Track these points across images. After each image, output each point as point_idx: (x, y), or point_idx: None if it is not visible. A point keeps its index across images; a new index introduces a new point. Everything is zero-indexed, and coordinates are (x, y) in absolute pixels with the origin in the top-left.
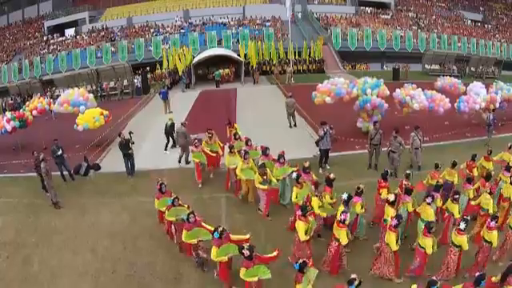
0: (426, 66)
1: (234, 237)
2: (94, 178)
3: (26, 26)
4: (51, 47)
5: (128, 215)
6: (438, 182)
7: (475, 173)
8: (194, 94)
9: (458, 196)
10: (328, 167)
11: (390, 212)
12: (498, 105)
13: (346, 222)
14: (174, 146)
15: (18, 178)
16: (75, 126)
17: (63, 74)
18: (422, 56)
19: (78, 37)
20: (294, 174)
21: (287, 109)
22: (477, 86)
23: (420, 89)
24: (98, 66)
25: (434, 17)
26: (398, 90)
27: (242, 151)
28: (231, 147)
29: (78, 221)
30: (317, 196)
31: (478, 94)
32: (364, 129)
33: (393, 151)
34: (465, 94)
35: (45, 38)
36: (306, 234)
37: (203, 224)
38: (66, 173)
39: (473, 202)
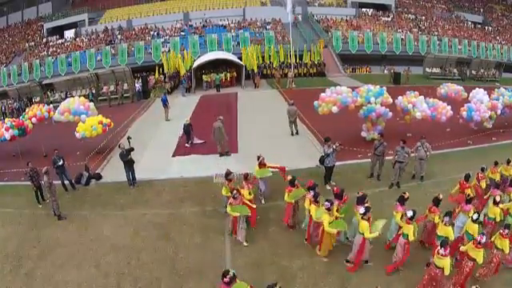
0: (427, 69)
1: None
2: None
3: (26, 28)
4: (50, 49)
5: (131, 228)
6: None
7: (483, 185)
8: (195, 98)
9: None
10: (333, 183)
11: (474, 228)
12: (499, 111)
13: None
14: (188, 141)
15: (19, 186)
16: (76, 132)
17: (63, 78)
18: (422, 59)
19: (77, 39)
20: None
21: (289, 116)
22: (479, 93)
23: (422, 97)
24: (98, 70)
25: (434, 19)
26: (399, 98)
27: (327, 203)
28: (316, 196)
29: (81, 234)
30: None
31: (481, 102)
32: (368, 138)
33: (399, 161)
34: (467, 101)
35: (44, 40)
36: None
37: None
38: (66, 182)
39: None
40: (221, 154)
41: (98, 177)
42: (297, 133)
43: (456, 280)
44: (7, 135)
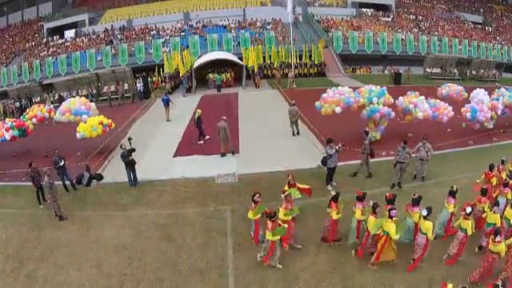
0: (428, 69)
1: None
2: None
3: (26, 28)
4: (51, 49)
5: (133, 228)
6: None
7: (494, 182)
8: (196, 98)
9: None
10: (335, 184)
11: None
12: (499, 111)
13: None
14: (200, 137)
15: (19, 186)
16: (76, 132)
17: (63, 78)
18: (423, 59)
19: (77, 39)
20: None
21: (290, 117)
22: (480, 93)
23: (423, 97)
24: (99, 70)
25: (434, 19)
26: (400, 98)
27: (394, 212)
28: (375, 207)
29: (83, 234)
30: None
31: (482, 102)
32: (372, 138)
33: (400, 162)
34: (467, 101)
35: (44, 40)
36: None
37: None
38: (67, 182)
39: None
40: (222, 154)
41: (99, 177)
42: (298, 133)
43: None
44: (7, 136)
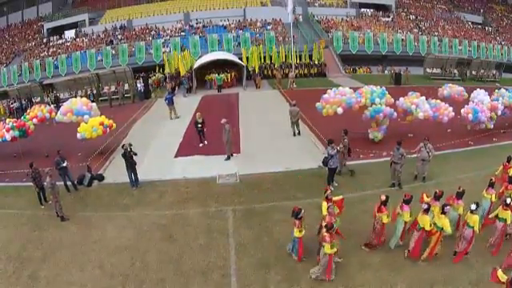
0: (428, 69)
1: None
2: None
3: (26, 28)
4: (51, 50)
5: (134, 229)
6: None
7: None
8: (196, 98)
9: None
10: (336, 184)
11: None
12: (499, 112)
13: None
14: (201, 140)
15: (20, 187)
16: (77, 133)
17: (64, 78)
18: (423, 59)
19: (77, 39)
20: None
21: (291, 117)
22: (480, 94)
23: (424, 97)
24: (99, 70)
25: (434, 19)
26: (401, 99)
27: (447, 208)
28: (429, 208)
29: (84, 235)
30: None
31: (482, 102)
32: (375, 139)
33: (395, 162)
34: (468, 102)
35: (44, 40)
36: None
37: None
38: (69, 183)
39: None
40: (228, 157)
41: (101, 178)
42: (299, 133)
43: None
44: (8, 136)
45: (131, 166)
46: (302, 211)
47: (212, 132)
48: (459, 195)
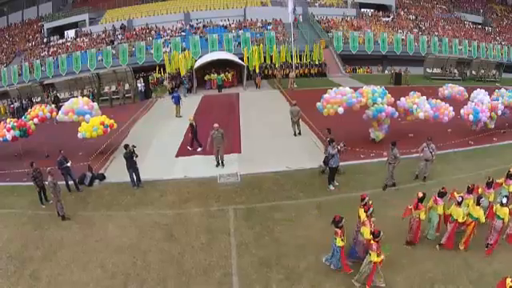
0: (428, 69)
1: None
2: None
3: (26, 28)
4: (51, 49)
5: (136, 228)
6: None
7: None
8: (197, 98)
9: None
10: (337, 183)
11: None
12: (499, 112)
13: None
14: (192, 144)
15: (21, 187)
16: (78, 132)
17: (64, 78)
18: (423, 59)
19: (78, 39)
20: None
21: (292, 117)
22: (480, 94)
23: (424, 97)
24: (99, 70)
25: (434, 19)
26: (402, 99)
27: (482, 199)
28: (462, 201)
29: (86, 234)
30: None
31: (482, 102)
32: (377, 139)
33: (389, 162)
34: (467, 101)
35: (45, 40)
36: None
37: None
38: (71, 182)
39: None
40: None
41: (102, 177)
42: (299, 133)
43: None
44: (8, 136)
45: (133, 167)
46: (343, 220)
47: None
48: (489, 185)
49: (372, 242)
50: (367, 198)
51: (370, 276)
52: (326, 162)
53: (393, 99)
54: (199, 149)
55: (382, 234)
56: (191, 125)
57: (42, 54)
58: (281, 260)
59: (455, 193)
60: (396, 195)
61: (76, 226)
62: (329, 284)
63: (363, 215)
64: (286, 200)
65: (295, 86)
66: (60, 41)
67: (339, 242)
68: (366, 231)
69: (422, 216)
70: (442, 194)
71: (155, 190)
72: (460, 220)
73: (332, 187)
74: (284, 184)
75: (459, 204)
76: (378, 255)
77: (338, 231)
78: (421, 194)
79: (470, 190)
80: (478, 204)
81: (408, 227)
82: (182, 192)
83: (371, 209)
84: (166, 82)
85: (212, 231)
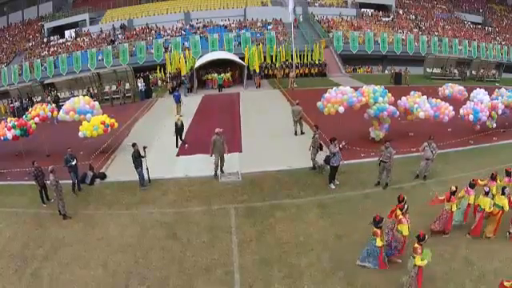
0: (428, 69)
1: None
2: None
3: (26, 28)
4: (51, 49)
5: (137, 227)
6: None
7: None
8: (197, 98)
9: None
10: (337, 182)
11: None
12: (499, 111)
13: None
14: (182, 143)
15: (22, 185)
16: (79, 131)
17: (64, 78)
18: (423, 59)
19: (78, 39)
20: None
21: (293, 116)
22: (480, 93)
23: (425, 97)
24: (100, 70)
25: (434, 19)
26: (403, 98)
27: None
28: (489, 192)
29: (87, 233)
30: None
31: (481, 102)
32: (377, 138)
33: (383, 161)
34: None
35: (45, 40)
36: None
37: None
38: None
39: None
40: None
41: (103, 176)
42: (302, 132)
43: None
44: (9, 135)
45: (140, 165)
46: (383, 220)
47: (212, 131)
48: (508, 174)
49: (417, 245)
50: (406, 207)
51: (419, 281)
52: (326, 160)
53: (393, 98)
54: (186, 146)
55: (426, 237)
56: (175, 123)
57: (42, 54)
58: (282, 258)
59: (479, 180)
60: (396, 194)
61: (77, 225)
62: (330, 281)
63: (399, 213)
64: (286, 198)
65: (295, 85)
66: (60, 40)
67: (379, 242)
68: (404, 228)
69: (454, 208)
70: (472, 185)
71: (157, 189)
72: (487, 210)
73: (333, 186)
74: (285, 183)
75: (486, 194)
76: (423, 259)
77: (378, 231)
78: (454, 188)
79: (493, 178)
80: (503, 193)
81: (436, 217)
82: (184, 191)
83: (406, 206)
84: (160, 83)
85: (213, 230)
